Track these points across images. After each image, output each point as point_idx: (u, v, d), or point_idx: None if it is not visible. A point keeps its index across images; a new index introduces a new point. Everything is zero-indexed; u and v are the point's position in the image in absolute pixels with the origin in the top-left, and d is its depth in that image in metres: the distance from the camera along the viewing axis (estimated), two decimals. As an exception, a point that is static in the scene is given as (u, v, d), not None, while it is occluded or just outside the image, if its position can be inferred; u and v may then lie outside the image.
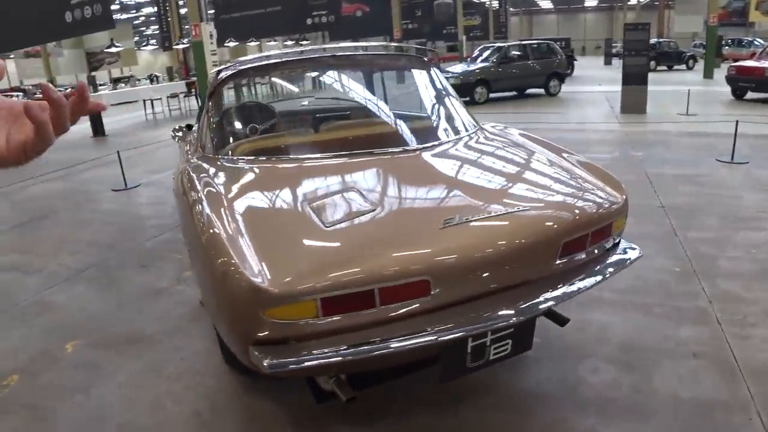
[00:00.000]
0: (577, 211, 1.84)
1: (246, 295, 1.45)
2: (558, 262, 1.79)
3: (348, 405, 1.68)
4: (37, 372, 2.73)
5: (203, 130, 2.61)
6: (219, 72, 2.53)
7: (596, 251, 1.94)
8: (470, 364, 1.70)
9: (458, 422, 2.12)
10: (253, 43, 24.87)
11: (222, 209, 1.78)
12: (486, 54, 13.77)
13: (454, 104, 2.84)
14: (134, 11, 37.88)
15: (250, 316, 1.46)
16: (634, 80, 9.35)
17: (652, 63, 21.78)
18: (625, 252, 2.07)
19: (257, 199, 1.94)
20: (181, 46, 20.73)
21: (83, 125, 13.14)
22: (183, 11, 24.26)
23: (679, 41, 24.24)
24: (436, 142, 2.43)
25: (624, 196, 1.99)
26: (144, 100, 15.93)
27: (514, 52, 13.48)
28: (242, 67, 2.57)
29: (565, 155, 2.38)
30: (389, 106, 2.95)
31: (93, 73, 30.07)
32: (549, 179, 2.10)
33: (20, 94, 22.46)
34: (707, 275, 3.28)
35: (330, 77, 2.95)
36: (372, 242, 1.64)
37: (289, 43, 35.38)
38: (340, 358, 1.47)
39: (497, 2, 33.74)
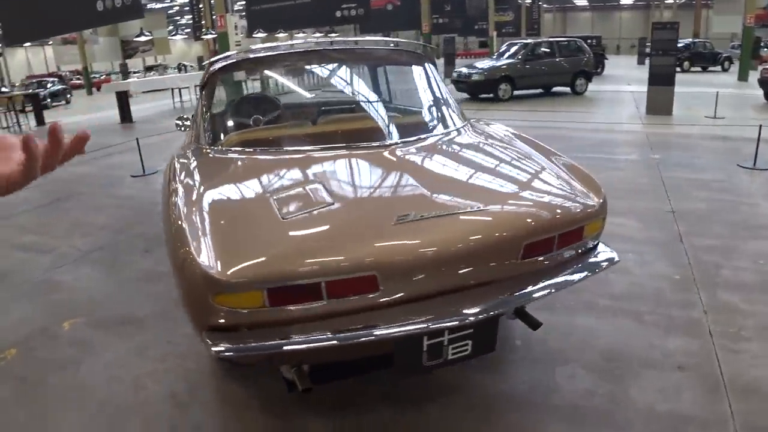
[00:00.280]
0: (541, 213, 1.81)
1: (198, 282, 1.49)
2: (520, 263, 1.77)
3: (303, 394, 1.71)
4: (34, 347, 2.85)
5: (197, 122, 2.66)
6: (211, 64, 2.58)
7: (567, 254, 1.90)
8: (427, 363, 1.70)
9: (422, 418, 2.12)
10: (281, 35, 25.03)
11: (192, 200, 1.83)
12: (512, 50, 13.58)
13: (443, 100, 2.83)
14: (169, 0, 38.51)
15: (203, 302, 1.51)
16: (661, 81, 9.10)
17: (686, 63, 21.21)
18: (599, 256, 2.02)
19: (229, 190, 1.99)
20: (209, 36, 21.01)
21: (112, 112, 13.49)
22: (214, 1, 24.59)
23: (717, 42, 23.47)
24: (416, 137, 2.43)
25: (601, 200, 1.95)
26: (172, 89, 16.22)
27: (540, 49, 13.26)
28: (234, 60, 2.60)
29: (552, 157, 2.34)
30: (378, 100, 2.95)
31: (127, 61, 30.76)
32: (522, 180, 2.07)
33: (56, 79, 23.09)
34: (707, 285, 3.20)
35: (322, 71, 2.96)
36: (323, 236, 1.66)
37: (318, 35, 35.50)
38: (284, 348, 1.50)
39: (530, -2, 33.22)
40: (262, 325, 1.56)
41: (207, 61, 2.68)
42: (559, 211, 1.83)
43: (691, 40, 23.03)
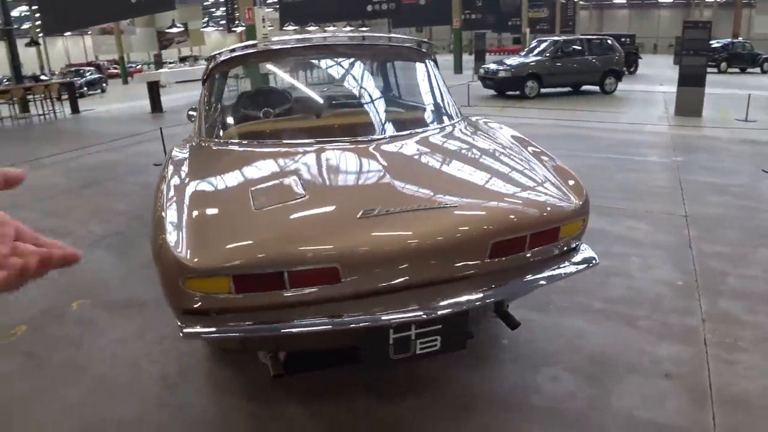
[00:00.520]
0: (511, 213, 1.81)
1: (172, 267, 1.57)
2: (488, 261, 1.78)
3: (275, 380, 1.78)
4: (42, 325, 2.99)
5: (198, 115, 2.74)
6: (212, 58, 2.65)
7: (541, 255, 1.89)
8: (394, 356, 1.74)
9: (397, 411, 2.16)
10: (312, 28, 25.20)
11: (177, 190, 1.92)
12: (541, 47, 13.40)
13: (439, 97, 2.84)
14: (205, -8, 39.13)
15: (176, 287, 1.58)
16: (691, 81, 8.85)
17: (723, 64, 20.52)
18: (578, 258, 2.00)
19: (214, 181, 2.06)
20: (240, 29, 21.33)
21: (144, 101, 13.86)
22: (248, -6, 24.89)
23: (758, 43, 22.63)
24: (407, 133, 2.45)
25: (580, 202, 1.93)
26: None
27: (569, 47, 13.04)
28: (236, 54, 2.67)
29: (541, 157, 2.32)
30: (374, 95, 2.97)
31: (162, 51, 31.43)
32: (500, 179, 2.07)
33: (93, 68, 23.77)
34: (710, 292, 3.13)
35: (321, 66, 3.01)
36: (289, 227, 1.71)
37: (348, 29, 35.60)
38: (247, 334, 1.57)
39: (565, -6, 32.60)
40: (231, 311, 1.63)
41: (209, 55, 2.76)
42: (531, 211, 1.83)
43: (729, 40, 22.27)
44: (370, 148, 2.22)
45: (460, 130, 2.61)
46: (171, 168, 2.18)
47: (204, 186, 1.99)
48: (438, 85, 2.87)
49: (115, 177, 6.62)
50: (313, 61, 2.96)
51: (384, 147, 2.27)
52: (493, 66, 13.48)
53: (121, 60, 27.32)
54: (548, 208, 1.85)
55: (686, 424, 2.09)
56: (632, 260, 3.57)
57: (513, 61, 13.53)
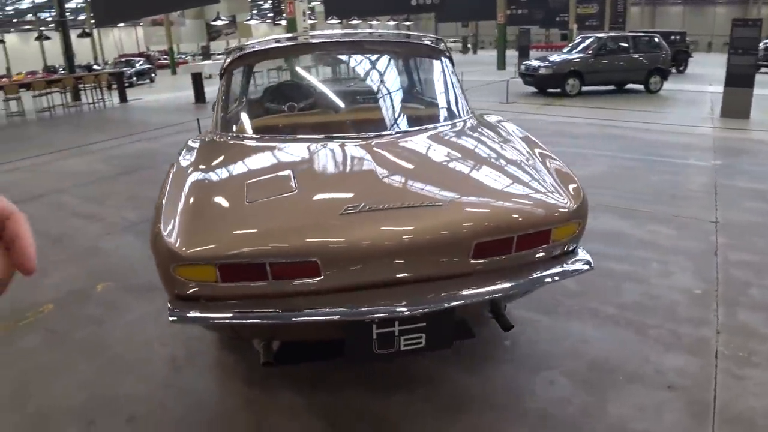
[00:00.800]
0: (497, 214, 1.80)
1: (164, 254, 1.65)
2: (472, 262, 1.78)
3: (264, 367, 1.84)
4: (67, 304, 3.18)
5: (216, 108, 2.84)
6: (229, 53, 2.73)
7: (531, 257, 1.87)
8: (378, 351, 1.77)
9: (387, 406, 2.19)
10: (354, 22, 25.31)
11: (179, 181, 2.00)
12: (585, 44, 13.06)
13: (452, 94, 2.84)
14: (253, -15, 39.83)
15: (168, 273, 1.67)
16: (739, 82, 8.45)
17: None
18: (572, 263, 1.97)
19: (216, 173, 2.14)
20: (283, 22, 21.64)
21: (188, 92, 14.28)
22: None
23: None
24: (409, 130, 2.48)
25: (575, 205, 1.90)
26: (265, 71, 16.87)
27: (613, 44, 12.65)
28: (252, 50, 2.75)
29: (546, 159, 2.28)
30: (383, 92, 2.99)
31: (211, 43, 32.18)
32: (494, 179, 2.06)
33: (143, 59, 24.60)
34: (729, 303, 3.02)
35: (336, 62, 3.05)
36: (272, 220, 1.77)
37: (391, 23, 35.54)
38: (227, 322, 1.65)
39: (616, -10, 31.52)
40: (219, 299, 1.70)
41: (227, 50, 2.85)
42: (518, 212, 1.81)
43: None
44: (371, 145, 2.25)
45: (467, 128, 2.60)
46: (180, 159, 2.28)
47: (204, 178, 2.08)
48: (450, 83, 2.87)
49: (154, 165, 6.86)
50: (326, 57, 3.01)
51: (385, 144, 2.29)
52: (534, 63, 13.23)
53: (170, 51, 28.14)
54: (537, 211, 1.83)
55: (682, 439, 2.04)
56: (651, 266, 3.48)
57: (555, 57, 13.24)
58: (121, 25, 45.33)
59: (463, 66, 22.68)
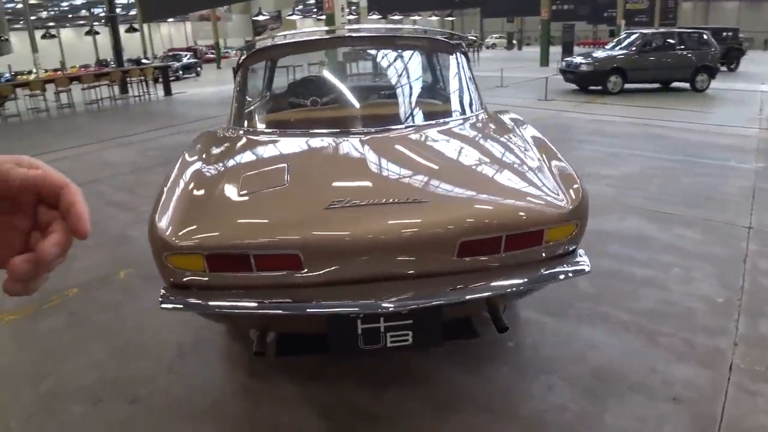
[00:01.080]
0: (485, 212, 1.76)
1: (157, 243, 1.71)
2: (457, 260, 1.76)
3: (255, 356, 1.88)
4: (90, 289, 3.33)
5: (231, 103, 2.91)
6: (244, 49, 2.79)
7: (523, 257, 1.83)
8: (363, 346, 1.78)
9: (379, 403, 2.20)
10: (396, 17, 25.27)
11: (181, 173, 2.06)
12: (629, 40, 12.62)
13: (465, 90, 2.81)
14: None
15: (160, 261, 1.73)
16: (792, 81, 7.99)
17: None
18: (569, 264, 1.91)
19: (214, 166, 2.19)
20: (324, 17, 21.84)
21: (230, 86, 14.61)
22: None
23: None
24: (414, 125, 2.48)
25: (570, 207, 1.84)
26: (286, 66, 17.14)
27: (658, 41, 12.17)
28: (267, 45, 2.79)
29: (550, 159, 2.22)
30: (393, 87, 2.98)
31: (256, 38, 32.75)
32: (488, 177, 2.02)
33: (190, 53, 25.29)
34: (752, 313, 2.87)
35: (349, 58, 3.06)
36: (258, 212, 1.80)
37: (433, 19, 35.26)
38: (215, 311, 1.70)
39: (667, -15, 30.29)
40: (208, 288, 1.75)
41: (243, 45, 2.91)
42: (506, 212, 1.77)
43: None
44: (371, 140, 2.25)
45: (475, 125, 2.57)
46: (188, 150, 2.35)
47: (204, 169, 2.13)
48: (463, 79, 2.84)
49: (187, 157, 7.07)
50: (339, 53, 3.03)
51: (385, 139, 2.30)
52: (575, 59, 12.89)
53: (217, 45, 28.84)
54: (528, 211, 1.78)
55: (682, 454, 1.96)
56: (673, 271, 3.35)
57: (598, 54, 12.85)
58: (171, 20, 46.73)
59: (506, 62, 22.32)
